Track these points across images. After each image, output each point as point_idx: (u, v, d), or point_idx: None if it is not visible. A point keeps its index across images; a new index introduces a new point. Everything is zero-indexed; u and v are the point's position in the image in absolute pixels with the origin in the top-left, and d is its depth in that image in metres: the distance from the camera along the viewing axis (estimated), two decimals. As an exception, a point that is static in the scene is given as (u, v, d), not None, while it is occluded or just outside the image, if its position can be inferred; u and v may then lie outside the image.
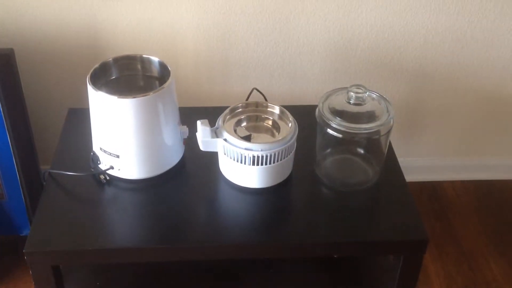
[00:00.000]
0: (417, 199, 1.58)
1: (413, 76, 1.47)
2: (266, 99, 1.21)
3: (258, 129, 1.09)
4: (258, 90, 1.20)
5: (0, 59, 1.21)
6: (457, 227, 1.54)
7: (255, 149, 1.02)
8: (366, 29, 1.37)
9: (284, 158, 1.05)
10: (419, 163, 1.64)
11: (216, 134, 1.05)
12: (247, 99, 1.21)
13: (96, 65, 1.06)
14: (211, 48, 1.38)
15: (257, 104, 1.11)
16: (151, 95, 1.01)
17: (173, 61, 1.35)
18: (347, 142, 1.08)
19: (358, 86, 1.06)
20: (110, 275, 1.16)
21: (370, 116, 1.05)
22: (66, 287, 1.07)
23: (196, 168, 1.12)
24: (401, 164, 1.15)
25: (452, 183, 1.67)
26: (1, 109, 1.24)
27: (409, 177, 1.14)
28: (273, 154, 1.03)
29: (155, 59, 1.09)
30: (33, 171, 1.36)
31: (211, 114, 1.10)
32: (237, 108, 1.10)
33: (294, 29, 1.36)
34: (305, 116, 1.12)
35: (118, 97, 1.00)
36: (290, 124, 1.07)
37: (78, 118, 1.21)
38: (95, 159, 1.09)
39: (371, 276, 1.18)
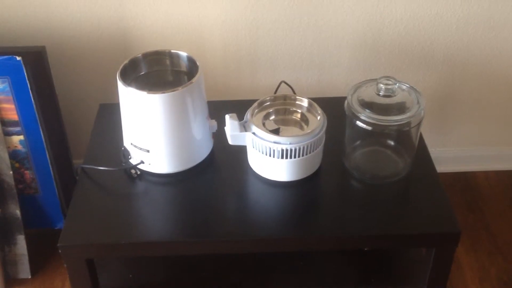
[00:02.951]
0: (450, 190, 1.56)
1: (444, 66, 1.44)
2: (294, 92, 1.21)
3: (286, 122, 1.09)
4: (286, 83, 1.20)
5: (32, 56, 1.23)
6: (491, 218, 1.51)
7: (284, 142, 1.02)
8: (395, 18, 1.35)
9: (313, 151, 1.04)
10: (451, 154, 1.61)
11: (244, 128, 1.05)
12: (275, 92, 1.20)
13: (126, 61, 1.07)
14: (239, 42, 1.38)
15: (285, 97, 1.11)
16: (180, 90, 1.01)
17: (201, 55, 1.35)
18: (377, 134, 1.07)
19: (387, 77, 1.04)
20: (143, 267, 1.17)
21: (400, 108, 1.04)
22: (99, 279, 1.09)
23: (225, 162, 1.12)
24: (432, 155, 1.14)
25: (486, 173, 1.64)
26: (34, 105, 1.26)
27: (441, 168, 1.12)
28: (302, 147, 1.02)
29: (183, 54, 1.10)
30: (66, 166, 1.39)
31: (240, 108, 1.10)
32: (265, 101, 1.10)
33: (322, 20, 1.35)
34: (334, 108, 1.11)
35: (148, 93, 1.01)
36: (318, 117, 1.06)
37: (109, 113, 1.23)
38: (126, 154, 1.11)
39: (402, 269, 1.17)
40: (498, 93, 1.50)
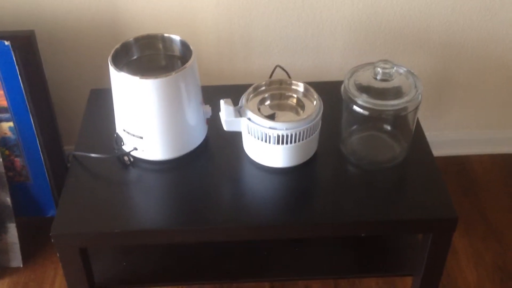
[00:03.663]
0: (445, 174, 1.55)
1: (440, 48, 1.43)
2: (289, 77, 1.19)
3: (282, 107, 1.07)
4: (281, 67, 1.18)
5: (21, 41, 1.21)
6: (485, 202, 1.51)
7: (280, 128, 1.00)
8: (391, 0, 1.33)
9: (309, 136, 1.03)
10: (445, 137, 1.60)
11: (239, 113, 1.04)
12: (270, 77, 1.18)
13: (117, 46, 1.05)
14: (232, 25, 1.35)
15: (281, 82, 1.09)
16: (173, 75, 0.99)
17: (194, 39, 1.33)
18: (373, 119, 1.06)
19: (385, 61, 1.03)
20: (136, 255, 1.16)
21: (397, 92, 1.02)
22: (93, 267, 1.08)
23: (220, 148, 1.11)
24: (428, 139, 1.13)
25: (480, 157, 1.64)
26: (24, 91, 1.24)
27: (436, 152, 1.12)
28: (297, 133, 1.01)
29: (176, 38, 1.08)
30: (57, 152, 1.37)
31: (234, 93, 1.08)
32: (261, 86, 1.08)
33: (316, 3, 1.33)
34: (330, 92, 1.10)
35: (140, 78, 0.99)
36: (315, 102, 1.05)
37: (101, 99, 1.21)
38: (119, 141, 1.09)
39: (399, 255, 1.16)
40: (494, 76, 1.49)
